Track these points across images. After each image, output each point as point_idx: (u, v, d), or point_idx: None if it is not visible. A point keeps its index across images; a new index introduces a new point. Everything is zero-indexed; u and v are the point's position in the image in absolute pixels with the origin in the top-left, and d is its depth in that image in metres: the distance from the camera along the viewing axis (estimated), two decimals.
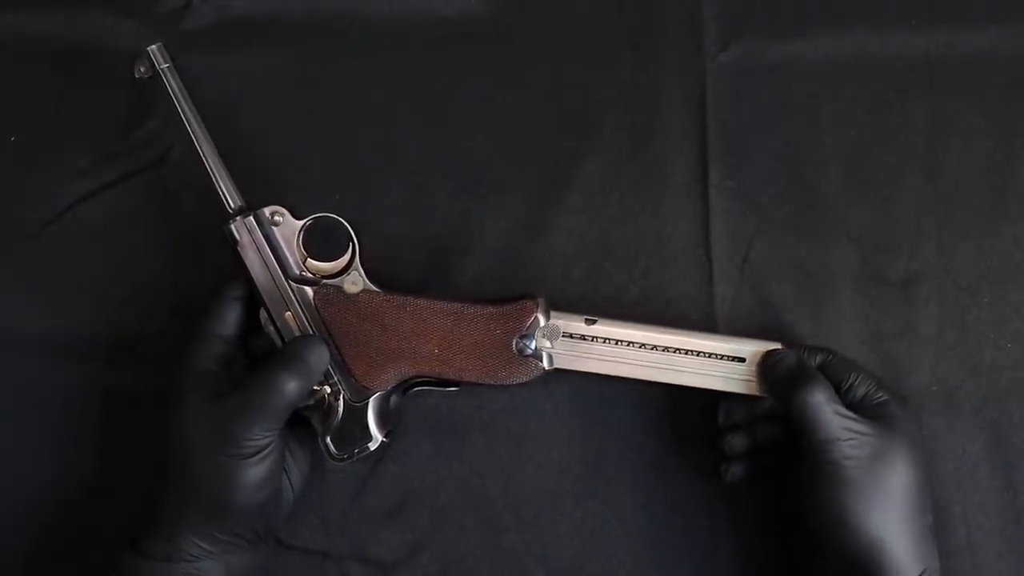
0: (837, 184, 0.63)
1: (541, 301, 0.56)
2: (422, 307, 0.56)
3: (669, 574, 0.60)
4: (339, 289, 0.56)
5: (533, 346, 0.55)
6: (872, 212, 0.63)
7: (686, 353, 0.56)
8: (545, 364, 0.56)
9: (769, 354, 0.56)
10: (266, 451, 0.52)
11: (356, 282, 0.56)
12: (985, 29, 0.64)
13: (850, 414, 0.53)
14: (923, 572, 0.51)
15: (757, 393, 0.56)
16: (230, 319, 0.56)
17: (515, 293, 0.57)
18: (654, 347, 0.56)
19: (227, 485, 0.51)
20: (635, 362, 0.56)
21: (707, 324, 0.62)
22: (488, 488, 0.61)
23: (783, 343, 0.57)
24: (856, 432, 0.52)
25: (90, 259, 0.63)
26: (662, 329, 0.56)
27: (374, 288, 0.56)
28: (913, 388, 0.61)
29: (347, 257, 0.57)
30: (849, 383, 0.55)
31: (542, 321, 0.56)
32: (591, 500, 0.61)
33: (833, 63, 0.64)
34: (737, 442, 0.57)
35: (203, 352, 0.54)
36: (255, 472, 0.52)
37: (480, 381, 0.56)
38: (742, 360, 0.56)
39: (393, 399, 0.57)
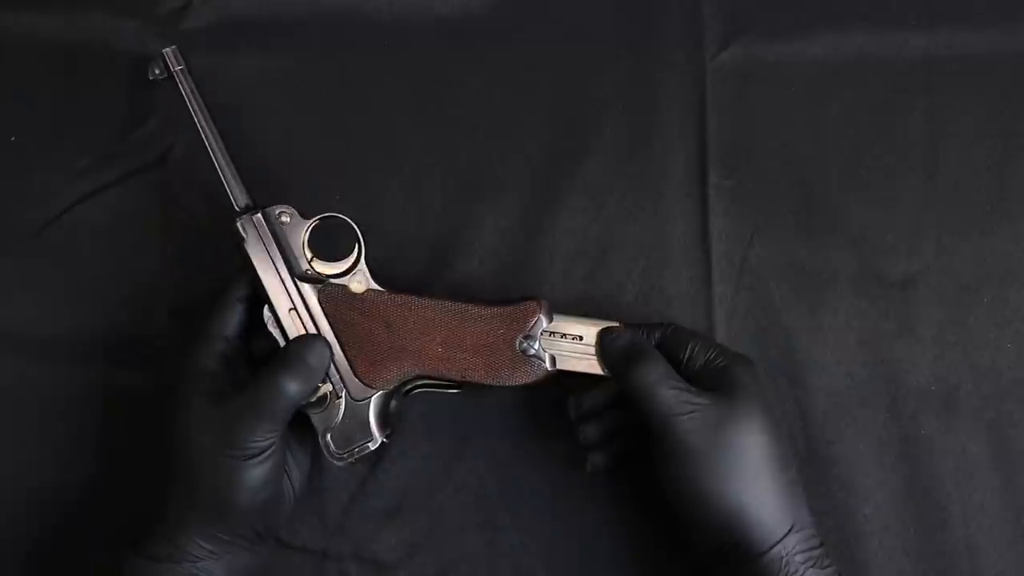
0: (837, 184, 0.63)
1: (544, 302, 0.56)
2: (426, 307, 0.56)
3: (670, 574, 0.60)
4: (344, 288, 0.56)
5: (536, 346, 0.56)
6: (872, 212, 0.63)
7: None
8: (548, 365, 0.56)
9: (604, 332, 0.55)
10: (268, 452, 0.52)
11: (361, 281, 0.56)
12: (985, 29, 0.64)
13: (686, 386, 0.52)
14: (790, 530, 0.51)
15: (601, 372, 0.56)
16: (233, 319, 0.56)
17: (519, 294, 0.57)
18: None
19: (229, 485, 0.51)
20: None
21: (705, 324, 0.62)
22: (487, 488, 0.61)
23: (621, 321, 0.56)
24: (695, 404, 0.51)
25: (90, 259, 0.63)
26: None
27: (379, 288, 0.56)
28: (912, 388, 0.61)
29: (352, 257, 0.57)
30: (688, 354, 0.55)
31: (545, 322, 0.56)
32: (591, 500, 0.61)
33: (833, 63, 0.64)
34: (591, 431, 0.57)
35: (205, 352, 0.54)
36: (257, 472, 0.52)
37: (483, 381, 0.56)
38: (581, 338, 0.56)
39: (393, 403, 0.57)
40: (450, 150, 0.64)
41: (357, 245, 0.57)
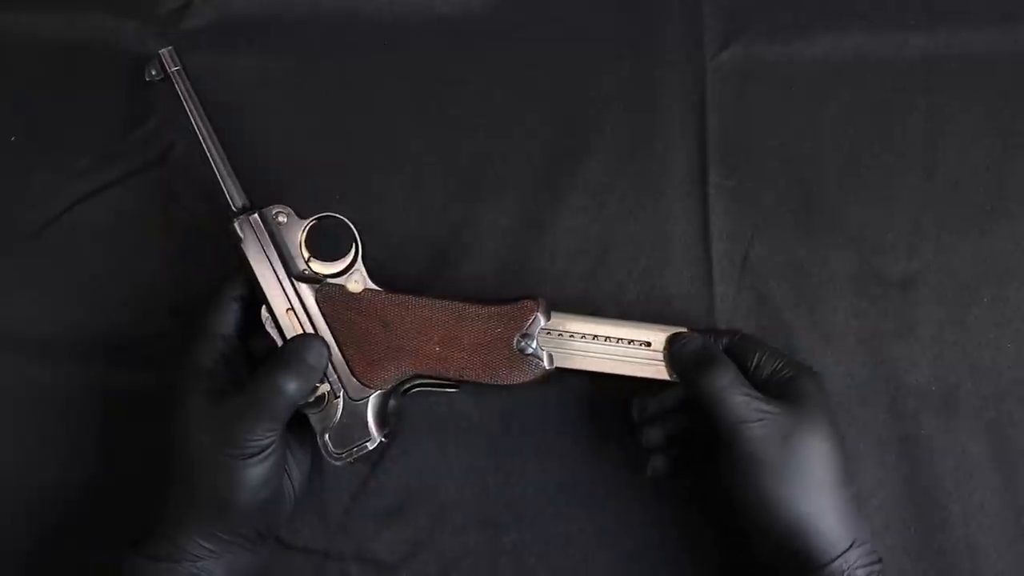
0: (837, 184, 0.63)
1: (542, 301, 0.56)
2: (423, 306, 0.56)
3: (670, 574, 0.60)
4: (342, 288, 0.56)
5: (534, 345, 0.56)
6: (871, 212, 0.63)
7: (593, 339, 0.56)
8: (546, 363, 0.56)
9: (674, 338, 0.55)
10: (267, 451, 0.52)
11: (358, 281, 0.56)
12: (985, 29, 0.64)
13: (757, 394, 0.52)
14: (852, 544, 0.51)
15: (667, 378, 0.56)
16: (231, 318, 0.56)
17: (516, 293, 0.57)
18: (572, 335, 0.56)
19: (229, 485, 0.51)
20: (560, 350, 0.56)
21: (707, 323, 0.62)
22: (488, 488, 0.61)
23: (690, 327, 0.56)
24: (765, 412, 0.51)
25: (90, 259, 0.63)
26: (573, 316, 0.57)
27: (376, 287, 0.56)
28: (912, 388, 0.61)
29: (350, 257, 0.57)
30: (755, 362, 0.55)
31: (542, 321, 0.56)
32: (592, 499, 0.61)
33: (833, 63, 0.64)
34: (654, 435, 0.57)
35: (204, 351, 0.54)
36: (257, 472, 0.52)
37: (481, 380, 0.56)
38: (649, 344, 0.56)
39: (392, 402, 0.57)
40: (450, 149, 0.64)
41: (354, 245, 0.57)
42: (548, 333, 0.56)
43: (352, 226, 0.56)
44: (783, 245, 0.63)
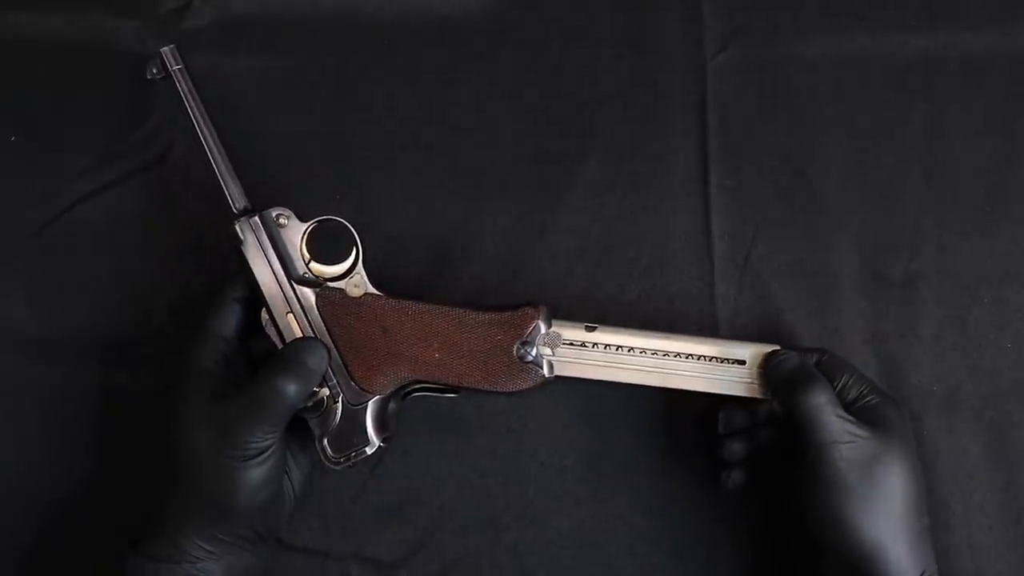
0: (837, 184, 0.63)
1: (543, 308, 0.56)
2: (424, 312, 0.56)
3: (670, 574, 0.60)
4: (342, 292, 0.56)
5: (534, 353, 0.55)
6: (872, 212, 0.63)
7: (687, 358, 0.56)
8: (545, 371, 0.56)
9: (771, 355, 0.56)
10: (267, 453, 0.52)
11: (359, 285, 0.56)
12: (985, 29, 0.64)
13: (849, 417, 0.53)
14: (922, 574, 0.51)
15: (759, 395, 0.56)
16: (231, 319, 0.55)
17: (517, 300, 0.57)
18: (655, 352, 0.56)
19: (229, 486, 0.51)
20: (637, 367, 0.56)
21: (708, 323, 0.62)
22: (489, 487, 0.61)
23: (780, 344, 0.56)
24: (855, 435, 0.52)
25: (90, 259, 0.63)
26: (663, 335, 0.56)
27: (376, 292, 0.56)
28: (913, 388, 0.61)
29: (350, 260, 0.57)
30: (842, 383, 0.55)
31: (543, 328, 0.56)
32: (592, 500, 0.61)
33: (833, 63, 0.64)
34: (738, 448, 0.57)
35: (204, 352, 0.54)
36: (257, 473, 0.52)
37: (480, 387, 0.56)
38: (743, 363, 0.56)
39: (391, 406, 0.57)
40: (450, 149, 0.64)
41: (355, 249, 0.57)
42: (629, 351, 0.55)
43: (353, 230, 0.56)
44: (784, 245, 0.63)
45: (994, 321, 0.62)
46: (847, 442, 0.52)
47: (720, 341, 0.56)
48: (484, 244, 0.63)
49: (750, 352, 0.56)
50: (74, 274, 0.63)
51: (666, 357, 0.56)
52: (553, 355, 0.56)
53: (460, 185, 0.64)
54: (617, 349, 0.56)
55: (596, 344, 0.56)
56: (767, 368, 0.55)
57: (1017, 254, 0.62)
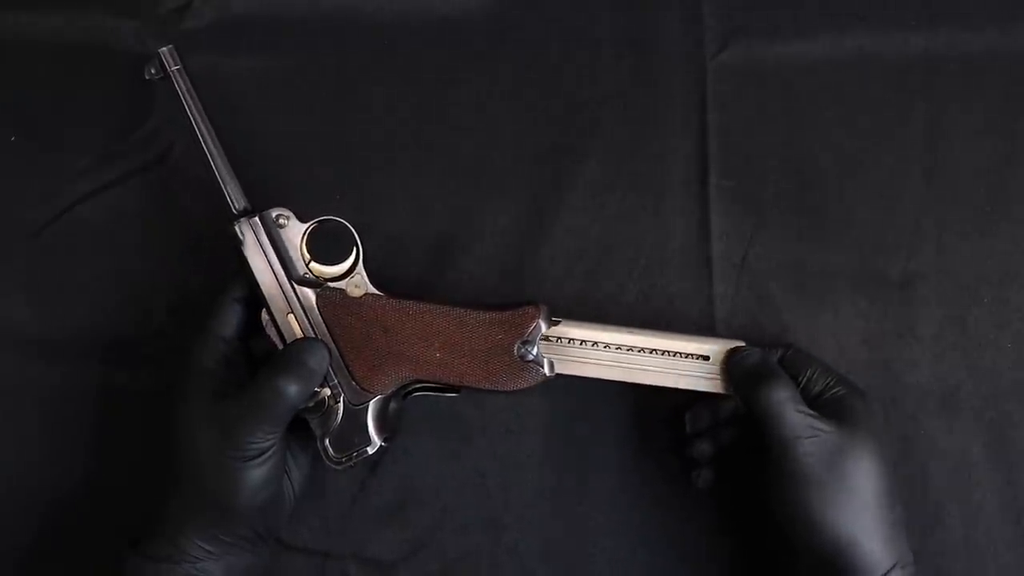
0: (837, 184, 0.63)
1: (544, 307, 0.56)
2: (424, 311, 0.56)
3: (669, 574, 0.60)
4: (342, 292, 0.56)
5: (535, 352, 0.55)
6: (872, 212, 0.63)
7: (651, 352, 0.56)
8: (546, 370, 0.56)
9: (733, 351, 0.55)
10: (268, 453, 0.52)
11: (359, 285, 0.56)
12: (985, 29, 0.64)
13: (811, 412, 0.52)
14: (894, 566, 0.51)
15: (722, 391, 0.56)
16: (232, 319, 0.55)
17: (517, 299, 0.57)
18: (619, 347, 0.56)
19: (230, 487, 0.51)
20: (602, 362, 0.56)
21: (706, 323, 0.62)
22: (488, 488, 0.61)
23: (747, 341, 0.56)
24: (817, 429, 0.52)
25: (90, 259, 0.64)
26: (626, 329, 0.56)
27: (377, 292, 0.56)
28: (912, 388, 0.61)
29: (351, 260, 0.57)
30: (807, 377, 0.55)
31: (544, 327, 0.56)
32: (591, 500, 0.61)
33: (833, 63, 0.64)
34: (705, 447, 0.57)
35: (205, 352, 0.54)
36: (257, 474, 0.52)
37: (481, 386, 0.56)
38: (707, 358, 0.56)
39: (393, 405, 0.57)
40: (450, 149, 0.64)
41: (355, 249, 0.57)
42: (594, 345, 0.56)
43: (353, 230, 0.56)
44: (783, 245, 0.63)
45: (994, 321, 0.62)
46: (809, 436, 0.51)
47: (685, 336, 0.56)
48: (484, 244, 0.63)
49: (714, 348, 0.56)
50: (74, 274, 0.63)
51: (631, 352, 0.56)
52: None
53: (460, 185, 0.64)
54: (582, 344, 0.56)
55: (560, 338, 0.56)
56: (729, 364, 0.55)
57: (1017, 254, 0.62)
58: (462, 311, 0.56)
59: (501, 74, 0.65)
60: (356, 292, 0.56)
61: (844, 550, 0.51)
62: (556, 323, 0.56)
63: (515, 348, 0.55)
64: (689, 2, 0.65)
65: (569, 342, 0.56)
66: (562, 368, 0.56)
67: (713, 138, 0.64)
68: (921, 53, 0.64)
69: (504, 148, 0.64)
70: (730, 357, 0.55)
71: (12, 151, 0.65)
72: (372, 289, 0.56)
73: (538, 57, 0.65)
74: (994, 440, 0.60)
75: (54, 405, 0.62)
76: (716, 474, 0.57)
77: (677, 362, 0.56)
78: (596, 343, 0.56)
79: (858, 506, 0.51)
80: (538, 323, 0.55)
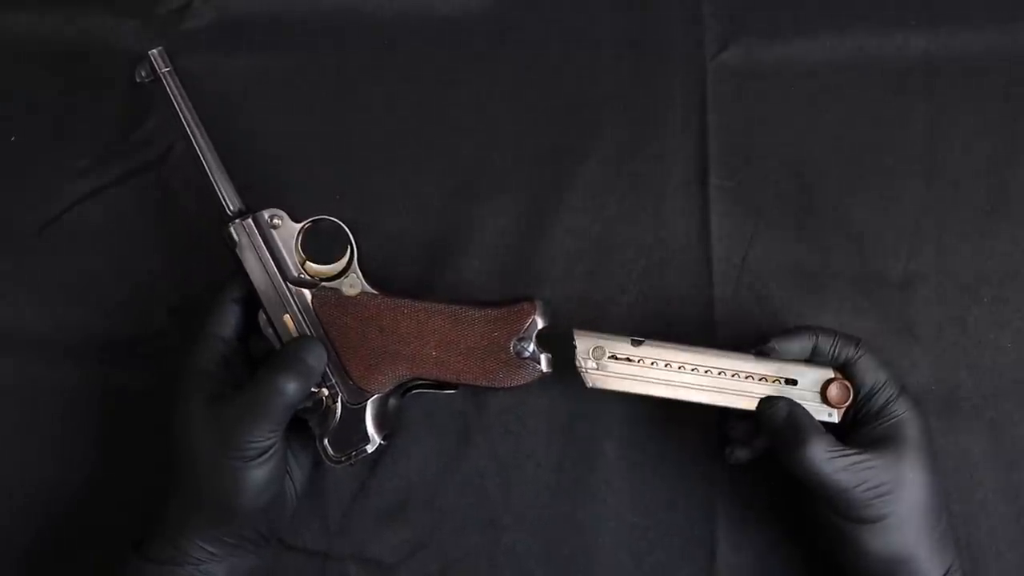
0: (837, 184, 0.63)
1: (539, 303, 0.56)
2: (420, 309, 0.56)
3: (669, 574, 0.60)
4: (337, 292, 0.56)
5: (531, 348, 0.55)
6: (872, 212, 0.63)
7: (733, 376, 0.55)
8: (543, 367, 0.56)
9: (763, 403, 0.54)
10: (269, 453, 0.52)
11: (354, 284, 0.56)
12: (985, 29, 0.64)
13: (853, 456, 0.51)
14: (948, 570, 0.52)
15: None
16: (231, 320, 0.56)
17: (513, 295, 0.57)
18: (707, 370, 0.55)
19: (231, 488, 0.51)
20: (684, 384, 0.55)
21: (706, 324, 0.62)
22: (488, 487, 0.61)
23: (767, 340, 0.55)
24: (863, 476, 0.51)
25: (90, 259, 0.64)
26: (711, 351, 0.55)
27: (372, 291, 0.56)
28: (912, 388, 0.61)
29: (345, 259, 0.57)
30: (870, 389, 0.54)
31: (540, 323, 0.56)
32: (590, 501, 0.61)
33: (833, 63, 0.64)
34: (741, 454, 0.57)
35: (204, 353, 0.54)
36: (259, 474, 0.52)
37: (478, 383, 0.56)
38: (794, 382, 0.55)
39: (392, 402, 0.57)
40: (449, 149, 0.64)
41: (349, 247, 0.57)
42: (694, 370, 0.55)
43: (347, 229, 0.56)
44: (783, 246, 0.63)
45: (994, 321, 0.62)
46: (857, 486, 0.51)
47: (771, 362, 0.55)
48: (483, 244, 0.63)
49: (805, 372, 0.55)
50: (74, 274, 0.63)
51: (717, 375, 0.55)
52: (596, 368, 0.55)
53: (460, 185, 0.64)
54: (666, 365, 0.55)
55: (642, 359, 0.55)
56: (761, 416, 0.54)
57: (1017, 254, 0.62)
58: (457, 308, 0.56)
59: (501, 74, 0.65)
60: (351, 291, 0.56)
61: (898, 568, 0.51)
62: (639, 343, 0.55)
63: (511, 345, 0.55)
64: (689, 2, 0.65)
65: (652, 364, 0.55)
66: (639, 389, 0.55)
67: (713, 138, 0.64)
68: (921, 53, 0.64)
69: (504, 148, 0.64)
70: (759, 409, 0.54)
71: (12, 151, 0.65)
72: (367, 288, 0.56)
73: (538, 58, 0.65)
74: (994, 440, 0.60)
75: (54, 405, 0.62)
76: (751, 454, 0.57)
77: (762, 386, 0.55)
78: (681, 365, 0.55)
79: (912, 529, 0.51)
80: (534, 319, 0.55)
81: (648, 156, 0.64)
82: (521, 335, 0.55)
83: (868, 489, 0.51)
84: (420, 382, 0.57)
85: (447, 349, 0.55)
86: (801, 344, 0.55)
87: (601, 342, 0.55)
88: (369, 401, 0.56)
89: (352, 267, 0.56)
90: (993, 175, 0.63)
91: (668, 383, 0.55)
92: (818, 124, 0.64)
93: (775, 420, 0.53)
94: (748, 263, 0.62)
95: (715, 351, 0.55)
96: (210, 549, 0.53)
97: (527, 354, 0.55)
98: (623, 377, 0.55)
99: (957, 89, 0.63)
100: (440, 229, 0.63)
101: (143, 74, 0.56)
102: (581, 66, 0.65)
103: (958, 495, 0.60)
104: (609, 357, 0.55)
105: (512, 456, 0.61)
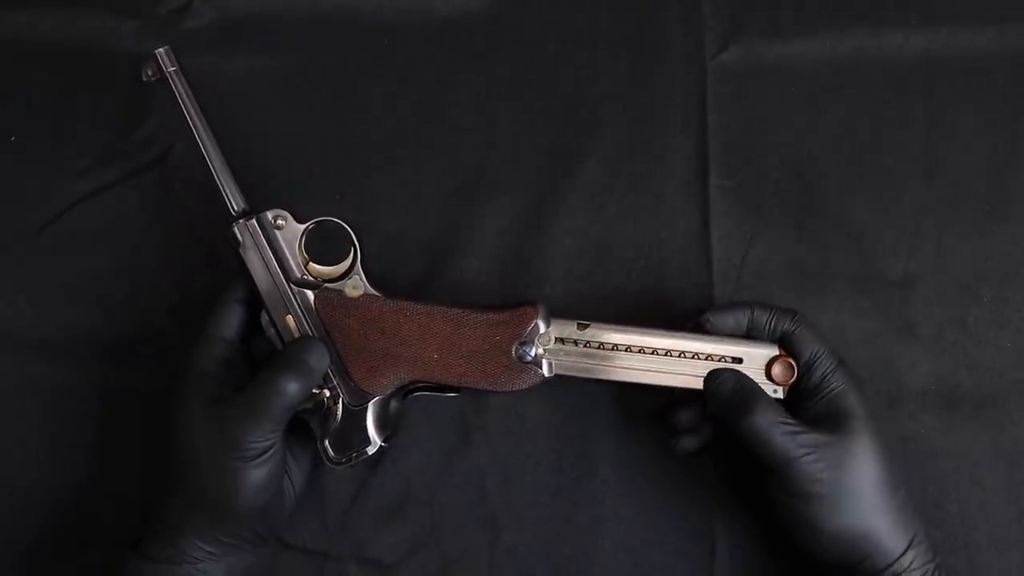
0: (837, 184, 0.63)
1: (541, 308, 0.56)
2: (422, 312, 0.56)
3: (668, 574, 0.60)
4: (340, 293, 0.56)
5: (533, 352, 0.55)
6: (872, 212, 0.63)
7: (680, 355, 0.55)
8: (545, 371, 0.56)
9: (709, 377, 0.54)
10: (269, 453, 0.52)
11: (357, 286, 0.56)
12: (985, 29, 0.64)
13: (800, 428, 0.52)
14: (910, 543, 0.52)
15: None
16: (232, 321, 0.55)
17: (516, 299, 0.57)
18: (654, 351, 0.55)
19: (230, 488, 0.51)
20: (630, 366, 0.56)
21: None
22: (488, 487, 0.61)
23: (751, 306, 0.56)
24: (811, 447, 0.51)
25: (90, 259, 0.64)
26: (657, 332, 0.56)
27: (375, 292, 0.56)
28: (912, 387, 0.61)
29: (348, 261, 0.57)
30: (807, 360, 0.54)
31: (542, 328, 0.56)
32: (590, 501, 0.61)
33: (833, 63, 0.64)
34: (685, 415, 0.57)
35: (205, 354, 0.54)
36: (258, 474, 0.52)
37: (479, 387, 0.56)
38: (740, 360, 0.56)
39: (393, 404, 0.57)
40: (450, 149, 0.64)
41: (352, 249, 0.57)
42: (639, 351, 0.55)
43: (350, 230, 0.56)
44: (783, 245, 0.63)
45: (994, 321, 0.62)
46: (804, 456, 0.51)
47: (715, 339, 0.56)
48: (483, 244, 0.63)
49: (749, 351, 0.55)
50: (74, 274, 0.63)
51: (661, 355, 0.55)
52: (543, 353, 0.56)
53: (460, 185, 0.64)
54: (613, 348, 0.56)
55: (589, 343, 0.56)
56: (707, 389, 0.54)
57: (1017, 253, 0.62)
58: (460, 311, 0.56)
59: (500, 74, 0.65)
60: (354, 293, 0.56)
61: (858, 545, 0.51)
62: (585, 327, 0.56)
63: (513, 348, 0.55)
64: (689, 2, 0.65)
65: (599, 346, 0.55)
66: (587, 373, 0.55)
67: (713, 138, 0.64)
68: (921, 53, 0.64)
69: (504, 148, 0.64)
70: (707, 382, 0.54)
71: (12, 151, 0.65)
72: (370, 290, 0.56)
73: (537, 57, 0.65)
74: (994, 440, 0.60)
75: (54, 405, 0.62)
76: (699, 442, 0.57)
77: (702, 364, 0.55)
78: (628, 347, 0.55)
79: (865, 503, 0.51)
80: (536, 323, 0.55)
81: (648, 156, 0.64)
82: (523, 339, 0.55)
83: (815, 461, 0.51)
84: (421, 384, 0.57)
85: (449, 352, 0.55)
86: (736, 318, 0.55)
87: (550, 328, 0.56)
88: (370, 403, 0.56)
89: (355, 269, 0.56)
90: (993, 175, 0.63)
91: (616, 367, 0.55)
92: (818, 124, 0.64)
93: (723, 391, 0.54)
94: (748, 263, 0.62)
95: (660, 331, 0.56)
96: (208, 548, 0.53)
97: (529, 358, 0.55)
98: (574, 361, 0.56)
99: (957, 89, 0.64)
100: (440, 229, 0.63)
101: (149, 73, 0.56)
102: (581, 66, 0.65)
103: (958, 495, 0.60)
104: (556, 341, 0.55)
105: (512, 456, 0.61)
